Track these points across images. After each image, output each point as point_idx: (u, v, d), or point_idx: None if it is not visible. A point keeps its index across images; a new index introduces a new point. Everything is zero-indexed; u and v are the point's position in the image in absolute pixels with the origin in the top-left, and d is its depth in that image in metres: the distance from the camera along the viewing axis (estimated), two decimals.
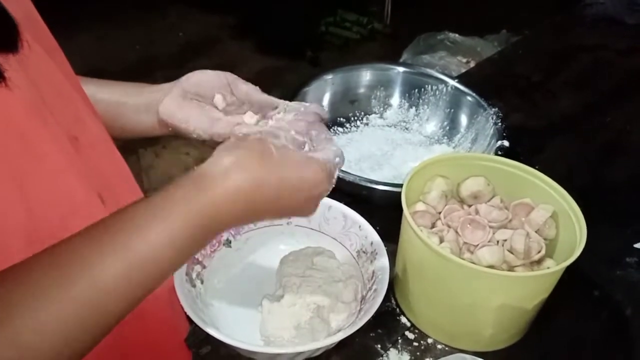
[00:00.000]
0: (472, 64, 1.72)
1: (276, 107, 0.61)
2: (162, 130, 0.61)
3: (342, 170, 0.77)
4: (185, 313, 0.60)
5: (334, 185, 0.52)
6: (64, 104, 0.46)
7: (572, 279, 0.63)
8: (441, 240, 0.67)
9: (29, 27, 0.43)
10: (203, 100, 0.60)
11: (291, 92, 0.91)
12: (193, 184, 0.41)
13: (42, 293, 0.34)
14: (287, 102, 0.61)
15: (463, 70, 1.55)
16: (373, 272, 0.67)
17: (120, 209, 0.40)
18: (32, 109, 0.41)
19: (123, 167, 0.54)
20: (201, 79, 0.61)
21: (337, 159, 0.51)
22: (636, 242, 0.81)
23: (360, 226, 0.70)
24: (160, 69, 2.61)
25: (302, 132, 0.53)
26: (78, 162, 0.44)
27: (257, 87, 0.62)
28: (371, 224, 0.70)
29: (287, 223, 0.74)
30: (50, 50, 0.47)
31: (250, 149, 0.45)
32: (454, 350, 0.66)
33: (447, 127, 0.97)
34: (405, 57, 1.90)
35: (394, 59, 1.94)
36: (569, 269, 0.59)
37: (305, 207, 0.50)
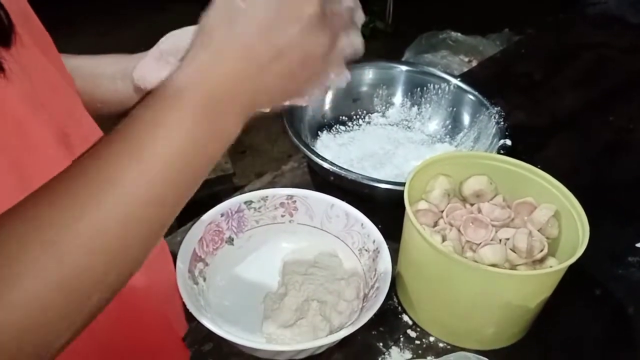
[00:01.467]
0: (474, 63, 1.72)
1: None
2: (137, 97, 0.57)
3: (344, 169, 0.78)
4: (185, 311, 0.60)
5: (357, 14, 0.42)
6: (56, 99, 0.45)
7: (574, 278, 0.63)
8: (443, 239, 0.67)
9: (22, 22, 0.42)
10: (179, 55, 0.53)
11: None
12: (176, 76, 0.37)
13: (81, 203, 0.33)
14: None
15: (465, 69, 1.55)
16: (375, 270, 0.67)
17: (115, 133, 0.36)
18: (27, 101, 0.40)
19: None
20: (178, 36, 0.56)
21: None
22: (638, 242, 0.81)
23: (362, 224, 0.70)
24: None
25: None
26: (69, 158, 0.44)
27: None
28: (373, 222, 0.70)
29: (290, 221, 0.74)
30: (43, 47, 0.47)
31: (215, 12, 0.39)
32: (456, 349, 0.66)
33: (450, 126, 0.97)
34: (407, 56, 1.90)
35: (396, 58, 1.94)
36: (571, 268, 0.59)
37: (307, 43, 0.38)
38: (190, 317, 0.59)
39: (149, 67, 0.56)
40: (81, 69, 0.58)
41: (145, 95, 0.38)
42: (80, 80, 0.56)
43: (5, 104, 0.39)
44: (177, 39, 0.56)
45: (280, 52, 0.37)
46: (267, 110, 0.42)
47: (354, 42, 0.42)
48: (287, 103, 0.43)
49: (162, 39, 0.57)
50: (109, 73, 0.58)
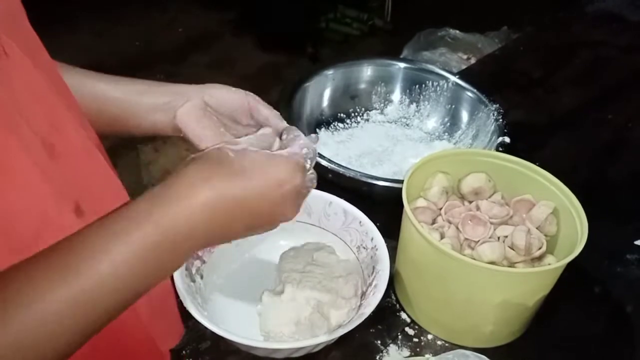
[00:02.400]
0: (472, 61, 1.72)
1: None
2: (175, 133, 0.60)
3: (342, 166, 0.77)
4: (181, 309, 0.59)
5: (313, 180, 0.50)
6: (41, 110, 0.44)
7: (572, 276, 0.63)
8: (442, 236, 0.67)
9: (9, 26, 0.41)
10: (221, 118, 0.60)
11: (291, 87, 0.91)
12: (155, 197, 0.41)
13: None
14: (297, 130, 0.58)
15: (464, 67, 1.54)
16: (373, 267, 0.67)
17: (84, 227, 0.40)
18: (3, 118, 0.39)
19: (107, 174, 0.52)
20: (224, 97, 0.60)
21: (305, 150, 0.49)
22: (637, 239, 0.81)
23: (360, 222, 0.70)
24: (159, 64, 2.61)
25: (268, 134, 0.52)
26: (53, 172, 0.43)
27: (278, 113, 0.60)
28: (371, 219, 0.70)
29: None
30: (32, 52, 0.45)
31: (206, 158, 0.43)
32: (454, 347, 0.66)
33: (448, 124, 0.97)
34: (405, 53, 1.90)
35: (395, 55, 1.94)
36: (569, 266, 0.59)
37: (283, 209, 0.47)
38: (187, 315, 0.59)
39: (195, 116, 0.58)
40: (118, 99, 0.59)
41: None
42: (117, 105, 0.58)
43: None
44: (220, 96, 0.60)
45: (259, 215, 0.45)
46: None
47: (303, 144, 0.50)
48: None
49: (207, 90, 0.60)
50: (148, 103, 0.59)
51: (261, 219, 0.46)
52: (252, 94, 0.61)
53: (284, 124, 0.58)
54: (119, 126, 0.59)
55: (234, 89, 0.61)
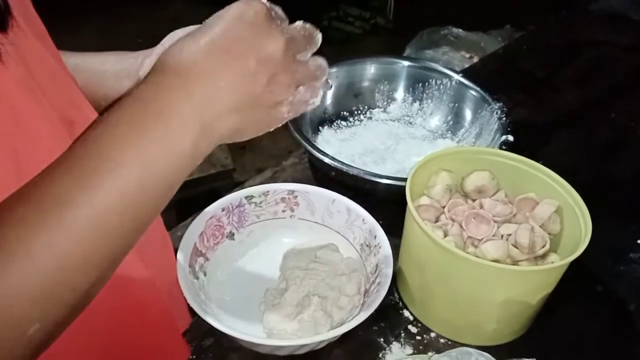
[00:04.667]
0: (475, 59, 1.72)
1: None
2: None
3: (346, 164, 0.77)
4: (188, 305, 0.60)
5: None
6: (57, 87, 0.45)
7: (575, 274, 0.63)
8: (445, 234, 0.67)
9: (20, 9, 0.41)
10: None
11: None
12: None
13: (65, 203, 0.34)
14: None
15: (466, 66, 1.54)
16: (376, 265, 0.67)
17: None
18: (25, 88, 0.40)
19: None
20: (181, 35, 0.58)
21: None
22: None
23: (364, 219, 0.70)
24: None
25: None
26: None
27: None
28: (374, 217, 0.70)
29: (290, 216, 0.74)
30: (40, 37, 0.46)
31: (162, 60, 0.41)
32: (457, 345, 0.66)
33: (451, 122, 0.97)
34: (408, 52, 1.90)
35: (397, 54, 1.94)
36: (572, 264, 0.59)
37: (260, 38, 0.40)
38: (193, 311, 0.59)
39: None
40: (83, 67, 0.58)
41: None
42: (83, 78, 0.56)
43: (1, 90, 0.38)
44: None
45: (242, 73, 0.40)
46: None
47: (318, 61, 0.44)
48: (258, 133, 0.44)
49: (167, 38, 0.57)
50: (113, 71, 0.58)
51: (243, 55, 0.40)
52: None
53: None
54: (90, 101, 0.56)
55: (190, 27, 0.55)
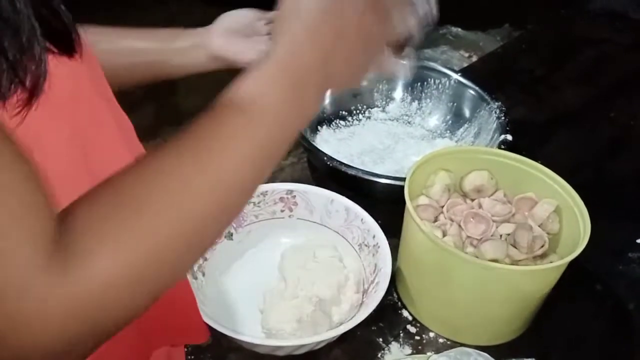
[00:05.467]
0: (474, 58, 1.71)
1: None
2: (211, 64, 0.70)
3: (345, 164, 0.77)
4: None
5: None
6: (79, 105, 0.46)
7: (574, 274, 0.63)
8: (444, 234, 0.67)
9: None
10: (246, 32, 0.70)
11: None
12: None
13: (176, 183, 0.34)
14: None
15: (465, 65, 1.54)
16: (375, 265, 0.66)
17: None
18: (94, 83, 0.42)
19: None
20: (235, 16, 0.71)
21: None
22: (639, 238, 0.81)
23: (362, 219, 0.70)
24: None
25: None
26: (126, 142, 0.45)
27: None
28: (372, 217, 0.70)
29: (289, 216, 0.74)
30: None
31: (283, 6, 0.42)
32: (456, 344, 0.66)
33: (450, 121, 0.97)
34: None
35: None
36: (571, 264, 0.59)
37: (363, 22, 0.41)
38: None
39: (225, 40, 0.70)
40: (147, 49, 0.67)
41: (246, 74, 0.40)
42: (147, 54, 0.66)
43: (79, 82, 0.39)
44: (232, 19, 0.71)
45: (341, 34, 0.40)
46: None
47: (408, 22, 0.45)
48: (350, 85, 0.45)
49: (217, 21, 0.70)
50: (177, 47, 0.68)
51: (350, 35, 0.41)
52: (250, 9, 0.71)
53: None
54: (155, 72, 0.68)
55: (236, 10, 0.71)
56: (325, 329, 0.62)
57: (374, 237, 0.68)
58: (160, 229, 0.32)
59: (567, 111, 1.08)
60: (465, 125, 0.94)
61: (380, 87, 1.00)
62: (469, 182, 0.71)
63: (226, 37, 0.69)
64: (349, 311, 0.65)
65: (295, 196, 0.73)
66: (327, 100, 0.97)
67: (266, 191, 0.72)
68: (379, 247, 0.67)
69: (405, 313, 0.70)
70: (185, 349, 0.65)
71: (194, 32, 0.70)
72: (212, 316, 0.58)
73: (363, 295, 0.66)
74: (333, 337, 0.60)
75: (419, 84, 0.98)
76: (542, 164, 0.69)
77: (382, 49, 0.45)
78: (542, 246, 0.65)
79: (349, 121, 0.99)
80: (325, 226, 0.73)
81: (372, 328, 0.68)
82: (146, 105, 2.39)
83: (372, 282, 0.65)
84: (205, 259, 0.68)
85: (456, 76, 0.96)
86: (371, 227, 0.69)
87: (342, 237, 0.72)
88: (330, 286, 0.67)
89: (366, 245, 0.69)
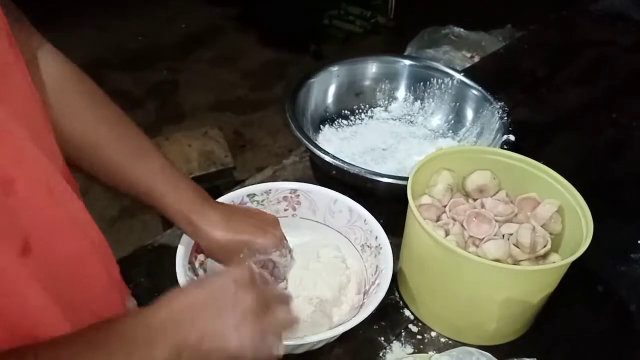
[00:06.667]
0: (476, 59, 1.71)
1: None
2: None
3: (347, 163, 0.77)
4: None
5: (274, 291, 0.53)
6: (3, 144, 0.43)
7: (576, 274, 0.63)
8: (447, 234, 0.67)
9: None
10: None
11: (297, 83, 0.91)
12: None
13: None
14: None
15: (468, 65, 1.54)
16: (377, 267, 0.66)
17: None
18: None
19: (66, 209, 0.50)
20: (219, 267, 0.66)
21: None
22: None
23: (365, 220, 0.70)
24: (162, 60, 2.60)
25: None
26: (3, 211, 0.42)
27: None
28: (374, 217, 0.70)
29: (292, 215, 0.74)
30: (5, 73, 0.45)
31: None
32: (458, 344, 0.66)
33: (453, 121, 0.97)
34: (409, 51, 1.89)
35: (398, 54, 1.93)
36: (573, 264, 0.59)
37: (236, 299, 0.48)
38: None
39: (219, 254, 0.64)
40: (142, 184, 0.61)
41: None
42: (142, 188, 0.60)
43: None
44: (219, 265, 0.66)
45: (217, 312, 0.46)
46: None
47: (287, 315, 0.51)
48: None
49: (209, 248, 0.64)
50: (172, 206, 0.61)
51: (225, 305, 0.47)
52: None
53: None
54: (141, 199, 0.62)
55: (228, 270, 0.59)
56: (325, 329, 0.62)
57: (376, 238, 0.68)
58: None
59: (570, 112, 1.08)
60: (468, 126, 0.94)
61: (383, 86, 1.00)
62: (471, 182, 0.71)
63: (211, 252, 0.65)
64: (350, 312, 0.65)
65: (299, 195, 0.73)
66: (330, 100, 0.97)
67: (270, 190, 0.72)
68: (381, 248, 0.67)
69: (407, 312, 0.70)
70: None
71: (191, 217, 0.62)
72: None
73: (364, 296, 0.66)
74: (331, 338, 0.60)
75: (422, 83, 0.98)
76: (544, 164, 0.69)
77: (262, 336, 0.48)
78: (544, 246, 0.65)
79: (351, 121, 0.99)
80: (328, 226, 0.73)
81: (374, 327, 0.68)
82: (148, 104, 2.40)
83: (374, 283, 0.65)
84: (208, 256, 0.68)
85: (459, 76, 0.96)
86: (374, 228, 0.69)
87: (345, 237, 0.72)
88: (332, 287, 0.67)
89: (369, 247, 0.69)
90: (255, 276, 0.50)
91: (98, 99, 0.61)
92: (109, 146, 0.60)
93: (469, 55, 1.75)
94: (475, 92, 0.94)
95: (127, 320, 0.45)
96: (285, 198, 0.73)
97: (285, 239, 0.66)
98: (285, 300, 0.52)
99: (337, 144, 0.93)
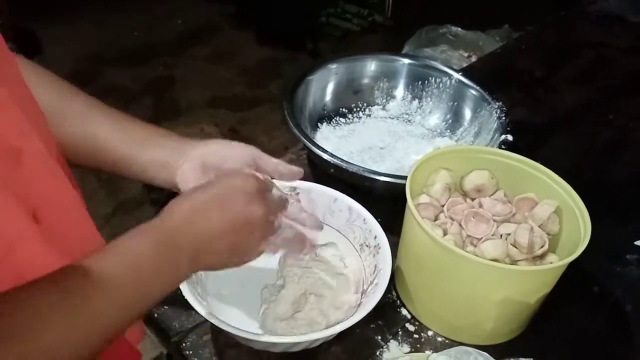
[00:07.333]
0: (473, 58, 1.72)
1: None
2: (172, 188, 0.61)
3: (346, 161, 0.77)
4: (182, 305, 0.59)
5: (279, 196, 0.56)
6: (6, 117, 0.44)
7: (572, 275, 0.63)
8: (445, 233, 0.67)
9: None
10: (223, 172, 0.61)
11: (294, 80, 0.90)
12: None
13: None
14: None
15: (465, 64, 1.54)
16: (375, 266, 0.66)
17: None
18: None
19: (66, 186, 0.51)
20: (226, 154, 0.61)
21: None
22: (637, 239, 0.81)
23: (364, 219, 0.69)
24: (158, 55, 2.59)
25: None
26: (15, 179, 0.43)
27: (282, 161, 0.64)
28: (372, 215, 0.69)
29: None
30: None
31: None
32: (454, 343, 0.66)
33: (450, 121, 0.97)
34: (406, 50, 1.89)
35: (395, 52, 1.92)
36: (569, 265, 0.59)
37: (244, 199, 0.51)
38: (187, 307, 0.59)
39: (194, 177, 0.59)
40: (117, 150, 0.60)
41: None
42: (112, 154, 0.59)
43: None
44: (222, 155, 0.61)
45: (232, 226, 0.51)
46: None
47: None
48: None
49: (206, 150, 0.61)
50: (147, 160, 0.60)
51: (229, 211, 0.51)
52: (253, 147, 0.63)
53: (293, 168, 0.64)
54: (114, 169, 0.60)
55: (234, 143, 0.62)
56: (321, 328, 0.62)
57: (375, 237, 0.68)
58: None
59: (567, 112, 1.08)
60: (466, 125, 0.94)
61: (381, 84, 0.99)
62: (469, 182, 0.71)
63: (196, 174, 0.59)
64: (347, 311, 0.65)
65: (298, 194, 0.72)
66: (328, 97, 0.97)
67: None
68: (379, 247, 0.66)
69: (404, 311, 0.70)
70: (184, 344, 0.65)
71: (170, 144, 0.61)
72: (210, 311, 0.58)
73: (362, 296, 0.66)
74: (328, 337, 0.60)
75: (419, 82, 0.98)
76: (541, 164, 0.69)
77: (261, 239, 0.54)
78: (542, 247, 0.65)
79: (349, 118, 0.98)
80: (327, 225, 0.73)
81: (371, 326, 0.68)
82: (144, 99, 2.39)
83: (372, 282, 0.65)
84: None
85: (457, 75, 0.96)
86: (373, 227, 0.68)
87: (344, 236, 0.72)
88: (329, 285, 0.67)
89: (367, 246, 0.69)
90: (262, 185, 0.53)
91: (71, 92, 0.61)
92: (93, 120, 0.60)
93: (466, 54, 1.75)
94: (473, 91, 0.94)
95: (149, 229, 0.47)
96: None
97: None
98: (284, 204, 0.57)
99: (334, 141, 0.93)
